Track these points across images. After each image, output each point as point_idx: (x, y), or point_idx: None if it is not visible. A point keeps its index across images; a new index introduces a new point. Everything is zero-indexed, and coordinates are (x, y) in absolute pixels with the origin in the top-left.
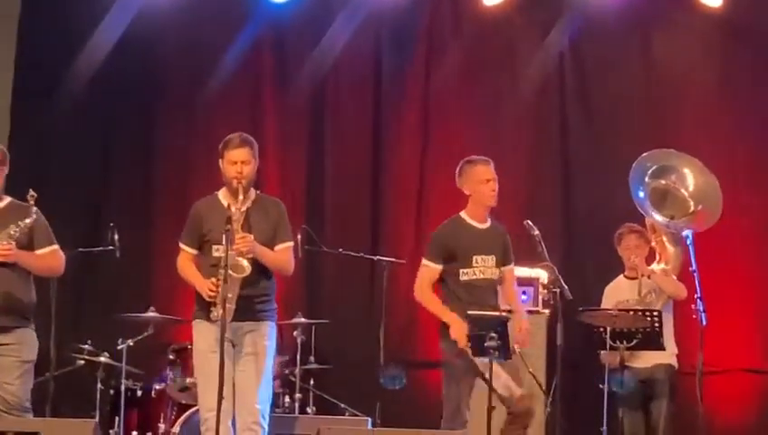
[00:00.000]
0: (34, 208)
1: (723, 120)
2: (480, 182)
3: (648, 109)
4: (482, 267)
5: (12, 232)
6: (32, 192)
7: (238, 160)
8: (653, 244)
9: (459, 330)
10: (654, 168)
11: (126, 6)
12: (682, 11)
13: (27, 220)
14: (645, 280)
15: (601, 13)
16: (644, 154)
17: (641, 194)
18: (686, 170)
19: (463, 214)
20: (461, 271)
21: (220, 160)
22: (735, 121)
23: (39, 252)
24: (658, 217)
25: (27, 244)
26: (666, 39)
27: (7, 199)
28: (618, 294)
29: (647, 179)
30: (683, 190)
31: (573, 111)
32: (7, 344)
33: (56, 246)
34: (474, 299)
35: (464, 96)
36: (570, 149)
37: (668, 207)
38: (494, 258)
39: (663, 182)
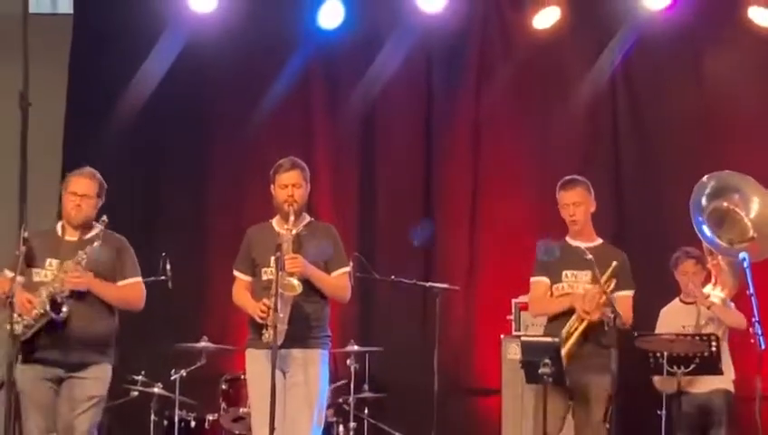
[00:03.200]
0: (98, 231)
1: None
2: (561, 207)
3: (701, 128)
4: (571, 282)
5: (79, 259)
6: (104, 217)
7: (289, 184)
8: (709, 266)
9: (579, 298)
10: (714, 186)
11: (176, 36)
12: (733, 29)
13: (95, 244)
14: (704, 309)
15: (652, 32)
16: (705, 176)
17: (700, 218)
18: (752, 195)
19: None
20: (554, 286)
21: (272, 186)
22: None
23: (121, 283)
24: (719, 242)
25: (110, 274)
26: (717, 58)
27: (98, 228)
28: (675, 319)
29: (704, 201)
30: (743, 214)
31: (625, 132)
32: (77, 378)
33: (138, 279)
34: (565, 313)
35: (515, 119)
36: (622, 169)
37: (727, 231)
38: (590, 275)
39: (725, 204)
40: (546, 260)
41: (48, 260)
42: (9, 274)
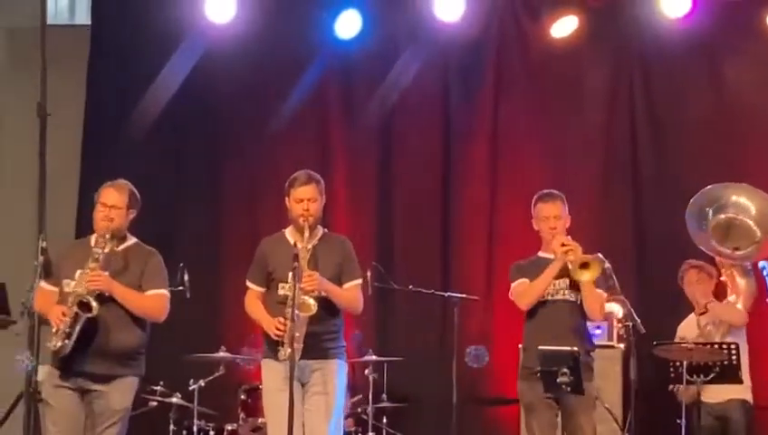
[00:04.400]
0: (132, 243)
1: None
2: (540, 220)
3: (720, 136)
4: (551, 290)
5: (96, 256)
6: None
7: (304, 198)
8: (723, 278)
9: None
10: (711, 207)
11: (193, 46)
12: (751, 37)
13: (107, 248)
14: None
15: (671, 40)
16: (696, 195)
17: (702, 232)
18: (743, 200)
19: (540, 251)
20: None
21: (286, 199)
22: None
23: (146, 293)
24: (722, 249)
25: (136, 284)
26: (735, 65)
27: (132, 240)
28: (688, 333)
29: (709, 216)
30: (746, 219)
31: (643, 142)
32: (102, 391)
33: (162, 291)
34: (548, 318)
35: (533, 129)
36: (641, 179)
37: (732, 239)
38: (567, 282)
39: (723, 217)
40: (522, 268)
41: (78, 271)
42: (44, 285)
